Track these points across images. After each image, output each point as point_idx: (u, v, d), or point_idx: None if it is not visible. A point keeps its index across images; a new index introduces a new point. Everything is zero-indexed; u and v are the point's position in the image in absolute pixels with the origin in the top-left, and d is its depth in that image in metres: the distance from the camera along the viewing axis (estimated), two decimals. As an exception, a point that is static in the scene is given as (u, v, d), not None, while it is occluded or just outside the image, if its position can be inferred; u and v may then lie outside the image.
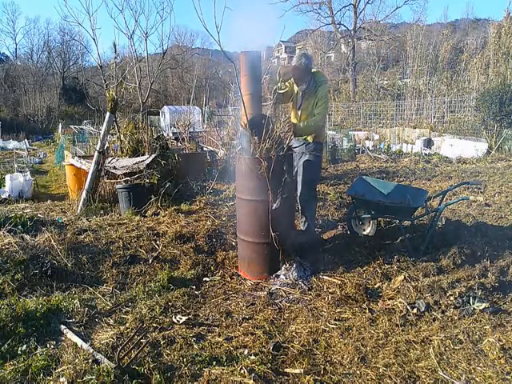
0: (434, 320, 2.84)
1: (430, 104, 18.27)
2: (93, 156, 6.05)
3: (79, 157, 7.45)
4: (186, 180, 6.59)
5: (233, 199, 5.70)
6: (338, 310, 3.05)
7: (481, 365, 2.36)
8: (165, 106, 23.85)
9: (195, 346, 2.58)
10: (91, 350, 2.48)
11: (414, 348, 2.55)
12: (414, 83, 20.06)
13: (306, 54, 4.10)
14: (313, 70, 4.10)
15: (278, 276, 3.60)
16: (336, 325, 2.84)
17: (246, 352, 2.51)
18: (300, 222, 4.40)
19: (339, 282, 3.43)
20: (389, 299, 3.14)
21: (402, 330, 2.74)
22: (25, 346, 2.58)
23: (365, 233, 4.53)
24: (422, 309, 2.95)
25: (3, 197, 7.46)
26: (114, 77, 9.44)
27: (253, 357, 2.45)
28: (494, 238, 3.99)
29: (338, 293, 3.25)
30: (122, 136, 7.81)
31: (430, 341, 2.60)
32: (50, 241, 3.93)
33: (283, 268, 3.62)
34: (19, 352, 2.52)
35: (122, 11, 9.71)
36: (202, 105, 19.89)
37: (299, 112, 4.16)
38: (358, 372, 2.34)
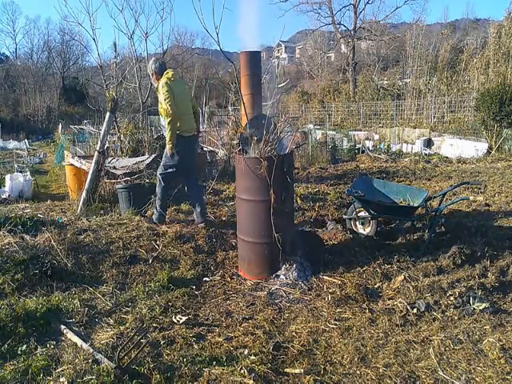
0: (434, 320, 2.84)
1: (430, 104, 18.25)
2: (93, 156, 6.04)
3: (79, 157, 7.43)
4: (185, 180, 6.56)
5: (233, 199, 5.69)
6: (338, 310, 3.05)
7: (481, 365, 2.36)
8: (165, 106, 23.77)
9: (195, 346, 2.58)
10: (91, 350, 2.48)
11: (414, 348, 2.55)
12: (414, 83, 20.03)
13: (158, 60, 4.56)
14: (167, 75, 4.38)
15: (277, 276, 3.60)
16: (336, 325, 2.84)
17: (246, 352, 2.51)
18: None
19: (339, 282, 3.43)
20: (389, 299, 3.15)
21: (402, 330, 2.74)
22: (25, 346, 2.58)
23: (365, 233, 4.53)
24: (422, 309, 2.95)
25: (3, 197, 7.44)
26: (114, 77, 9.46)
27: (253, 357, 2.45)
28: (493, 238, 3.99)
29: (338, 293, 3.25)
30: (122, 136, 7.83)
31: (430, 341, 2.60)
32: (50, 241, 3.93)
33: (283, 268, 3.62)
34: (19, 352, 2.52)
35: (122, 11, 9.74)
36: (202, 105, 19.88)
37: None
38: (358, 372, 2.34)
